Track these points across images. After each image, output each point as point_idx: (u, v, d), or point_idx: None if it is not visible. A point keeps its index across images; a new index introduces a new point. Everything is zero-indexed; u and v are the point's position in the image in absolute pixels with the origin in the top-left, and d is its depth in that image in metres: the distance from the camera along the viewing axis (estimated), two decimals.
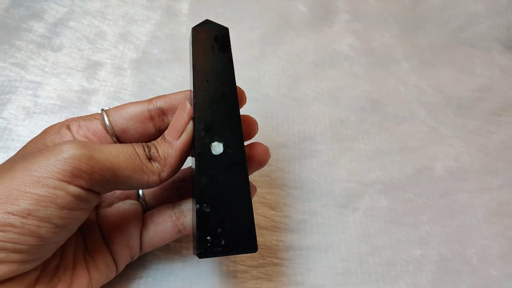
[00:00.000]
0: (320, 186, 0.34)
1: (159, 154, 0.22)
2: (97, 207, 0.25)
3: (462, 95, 0.43)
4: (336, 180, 0.34)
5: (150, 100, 0.25)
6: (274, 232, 0.31)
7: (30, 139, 0.32)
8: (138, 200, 0.27)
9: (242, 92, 0.26)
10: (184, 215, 0.25)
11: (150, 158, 0.22)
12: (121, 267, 0.25)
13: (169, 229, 0.25)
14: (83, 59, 0.38)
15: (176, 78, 0.38)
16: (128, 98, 0.36)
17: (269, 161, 0.34)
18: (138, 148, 0.21)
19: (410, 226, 0.33)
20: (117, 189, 0.21)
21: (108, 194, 0.26)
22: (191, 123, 0.23)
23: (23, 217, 0.17)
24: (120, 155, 0.20)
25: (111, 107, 0.25)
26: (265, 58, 0.42)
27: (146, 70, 0.38)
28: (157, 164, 0.22)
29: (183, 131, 0.22)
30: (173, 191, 0.27)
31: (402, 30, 0.48)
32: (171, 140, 0.22)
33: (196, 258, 0.28)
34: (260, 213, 0.32)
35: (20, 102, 0.34)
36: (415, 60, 0.45)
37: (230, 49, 0.24)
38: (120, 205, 0.26)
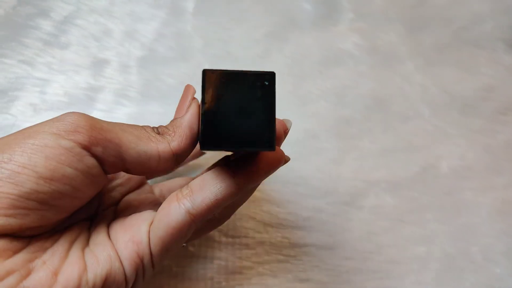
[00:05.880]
0: (325, 183, 0.34)
1: (168, 128, 0.22)
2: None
3: (467, 94, 0.43)
4: (341, 178, 0.34)
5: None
6: (278, 229, 0.31)
7: None
8: None
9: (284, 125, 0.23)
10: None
11: (159, 133, 0.22)
12: (128, 267, 0.20)
13: (175, 212, 0.20)
14: (90, 57, 0.38)
15: (181, 76, 0.38)
16: (134, 96, 0.36)
17: None
18: (145, 127, 0.22)
19: (414, 224, 0.33)
20: (125, 161, 0.19)
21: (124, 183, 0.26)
22: (196, 100, 0.22)
23: (4, 162, 0.16)
24: (124, 126, 0.20)
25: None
26: (270, 57, 0.42)
27: (152, 68, 0.38)
28: (166, 135, 0.22)
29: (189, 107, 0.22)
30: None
31: (407, 29, 0.48)
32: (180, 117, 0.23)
33: (203, 253, 0.28)
34: (264, 210, 0.32)
35: (27, 98, 0.34)
36: (419, 59, 0.45)
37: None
38: (134, 195, 0.25)
